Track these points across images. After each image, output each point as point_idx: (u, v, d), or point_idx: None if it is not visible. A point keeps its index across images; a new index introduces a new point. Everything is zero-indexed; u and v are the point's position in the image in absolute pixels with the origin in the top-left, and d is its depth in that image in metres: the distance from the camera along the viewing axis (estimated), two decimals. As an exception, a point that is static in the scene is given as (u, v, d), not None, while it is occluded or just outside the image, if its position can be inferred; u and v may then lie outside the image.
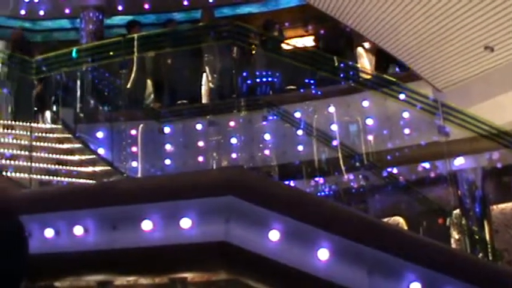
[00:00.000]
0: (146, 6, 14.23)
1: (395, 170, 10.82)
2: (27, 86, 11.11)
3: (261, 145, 10.36)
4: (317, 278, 5.86)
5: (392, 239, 5.92)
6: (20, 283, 1.85)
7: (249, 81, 11.40)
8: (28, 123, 10.58)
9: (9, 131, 10.64)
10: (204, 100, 11.70)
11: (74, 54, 10.44)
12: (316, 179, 10.59)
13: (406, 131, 10.39)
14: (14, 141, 10.33)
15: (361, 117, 10.52)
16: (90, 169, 10.07)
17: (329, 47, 11.84)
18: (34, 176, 9.31)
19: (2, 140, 10.31)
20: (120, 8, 14.24)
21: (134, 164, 10.14)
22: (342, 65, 10.37)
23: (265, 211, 5.96)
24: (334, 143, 10.33)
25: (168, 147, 10.25)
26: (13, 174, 9.16)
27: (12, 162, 9.75)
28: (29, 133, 10.39)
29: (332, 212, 6.16)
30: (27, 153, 9.88)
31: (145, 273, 7.08)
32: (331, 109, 10.39)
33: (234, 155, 10.15)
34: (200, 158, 10.46)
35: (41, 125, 10.95)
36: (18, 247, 1.85)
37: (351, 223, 6.02)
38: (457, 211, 10.26)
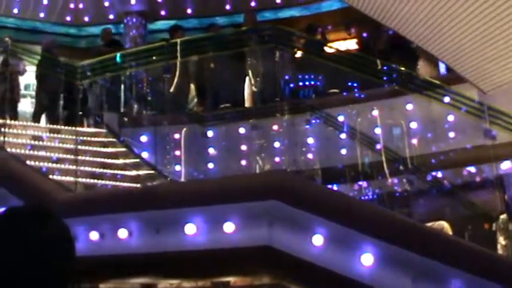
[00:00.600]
0: (189, 10, 14.34)
1: (440, 174, 10.67)
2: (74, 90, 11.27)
3: (303, 149, 10.32)
4: (360, 283, 5.81)
5: (439, 246, 5.84)
6: (68, 285, 1.87)
7: (291, 85, 11.38)
8: (73, 128, 10.74)
9: (55, 135, 10.80)
10: (247, 104, 11.71)
11: (118, 59, 10.54)
12: (360, 182, 10.50)
13: (451, 134, 10.25)
14: (60, 145, 10.49)
15: (405, 120, 10.40)
16: (134, 173, 10.16)
17: (372, 50, 11.75)
18: (79, 180, 9.41)
19: (49, 143, 10.48)
20: (163, 13, 14.38)
21: (177, 167, 10.19)
22: (385, 67, 10.27)
23: (309, 215, 5.93)
24: (378, 146, 10.24)
25: (211, 151, 10.28)
26: (59, 177, 9.27)
27: (58, 165, 9.90)
28: (74, 137, 10.54)
29: (377, 217, 6.10)
30: (72, 156, 10.01)
31: (188, 277, 7.11)
32: (375, 112, 10.29)
33: (277, 159, 10.12)
34: (243, 162, 10.47)
35: (86, 129, 11.08)
36: (66, 248, 1.87)
37: (396, 228, 5.95)
38: (503, 216, 10.04)
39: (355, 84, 11.02)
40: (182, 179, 10.01)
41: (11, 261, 1.76)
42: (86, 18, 14.70)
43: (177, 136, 10.31)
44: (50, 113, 12.15)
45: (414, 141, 10.33)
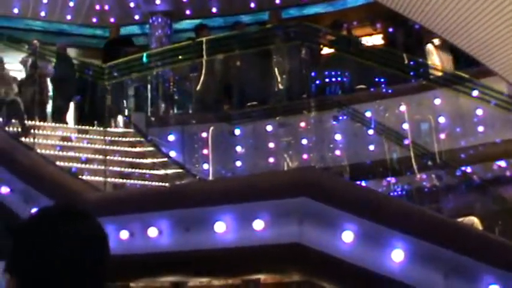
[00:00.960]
0: (214, 9, 14.35)
1: (469, 169, 10.56)
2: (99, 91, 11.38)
3: (331, 145, 10.29)
4: (391, 279, 5.77)
5: (470, 241, 5.78)
6: (104, 283, 1.89)
7: (318, 82, 11.35)
8: (102, 128, 10.83)
9: (84, 135, 10.91)
10: (274, 101, 11.69)
11: (144, 59, 10.61)
12: (388, 178, 10.44)
13: (480, 128, 10.14)
14: (89, 145, 10.59)
15: (433, 115, 10.32)
16: (162, 172, 10.22)
17: (398, 45, 11.67)
18: (108, 179, 9.49)
19: (78, 144, 10.59)
20: (188, 12, 14.41)
21: (205, 166, 10.22)
22: (412, 62, 10.20)
23: (339, 212, 5.91)
24: (406, 142, 10.17)
25: (238, 149, 10.29)
26: (88, 177, 9.36)
27: (87, 165, 10.00)
28: (102, 137, 10.64)
29: (407, 213, 6.06)
30: (101, 156, 10.10)
31: (218, 275, 7.12)
32: (402, 108, 10.22)
33: (304, 156, 10.11)
34: (271, 160, 10.46)
35: (114, 129, 11.17)
36: (102, 246, 1.90)
37: (427, 224, 5.90)
38: (534, 210, 9.94)
39: (382, 80, 10.97)
40: (210, 178, 10.04)
41: (49, 261, 1.78)
42: (112, 19, 14.78)
43: (204, 135, 10.33)
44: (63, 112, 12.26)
45: (442, 136, 10.24)
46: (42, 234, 1.82)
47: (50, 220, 1.87)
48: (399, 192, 10.53)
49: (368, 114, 10.41)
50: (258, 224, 6.11)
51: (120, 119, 12.33)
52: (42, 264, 1.77)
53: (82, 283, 1.80)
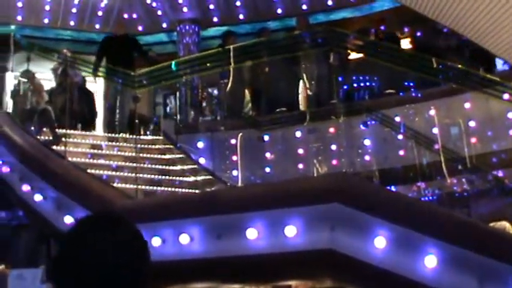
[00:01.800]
0: (241, 16, 14.39)
1: (500, 173, 10.45)
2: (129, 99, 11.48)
3: (360, 150, 10.25)
4: (424, 285, 5.73)
5: (504, 246, 5.72)
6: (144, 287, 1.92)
7: (346, 87, 11.33)
8: (132, 136, 10.92)
9: (114, 143, 11.00)
10: (302, 107, 11.70)
11: (173, 67, 10.67)
12: (418, 183, 10.37)
13: (512, 132, 10.04)
14: (119, 152, 10.68)
15: (463, 119, 10.23)
16: (192, 179, 10.26)
17: (427, 49, 11.59)
18: (139, 187, 9.55)
19: (108, 152, 10.69)
20: (215, 19, 14.48)
21: (234, 172, 10.24)
22: (441, 66, 10.12)
23: (371, 218, 5.89)
24: (436, 146, 10.09)
25: (267, 155, 10.30)
26: (119, 185, 9.43)
27: (118, 173, 10.08)
28: (132, 145, 10.72)
29: (439, 218, 6.01)
30: (131, 164, 10.18)
31: (249, 282, 7.12)
32: (432, 112, 10.15)
33: (334, 161, 10.08)
34: (300, 166, 10.45)
35: (143, 137, 11.25)
36: (143, 252, 1.92)
37: (460, 229, 5.85)
38: None
39: (411, 84, 10.91)
40: (239, 184, 10.06)
41: (93, 267, 1.80)
42: (140, 28, 14.91)
43: (233, 141, 10.36)
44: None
45: (473, 140, 10.15)
46: (84, 244, 1.85)
47: (92, 228, 1.91)
48: (430, 197, 10.45)
49: (397, 118, 10.36)
50: (290, 230, 6.12)
51: (149, 126, 12.45)
52: (85, 274, 1.80)
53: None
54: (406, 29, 13.87)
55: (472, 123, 10.23)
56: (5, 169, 9.35)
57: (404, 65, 9.72)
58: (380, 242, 5.87)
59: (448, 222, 5.97)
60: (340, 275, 6.21)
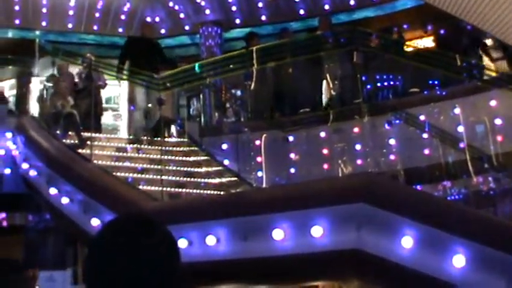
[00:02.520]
0: (263, 17, 14.40)
1: (528, 171, 10.33)
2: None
3: (385, 150, 10.19)
4: (452, 285, 5.69)
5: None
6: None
7: (369, 86, 11.27)
8: (157, 138, 10.99)
9: (139, 145, 11.07)
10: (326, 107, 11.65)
11: (197, 69, 10.72)
12: (444, 182, 10.28)
13: (539, 129, 9.92)
14: (144, 155, 10.74)
15: (489, 117, 10.13)
16: (217, 180, 10.29)
17: (451, 47, 11.51)
18: (165, 189, 9.60)
19: (133, 154, 10.75)
20: (237, 21, 14.51)
21: (259, 173, 10.24)
22: (465, 64, 10.05)
23: (398, 217, 5.86)
24: (461, 145, 10.01)
25: (292, 156, 10.29)
26: (145, 187, 9.48)
27: (143, 175, 10.14)
28: (157, 147, 10.78)
29: (467, 217, 5.97)
30: (156, 166, 10.23)
31: (276, 282, 7.13)
32: (457, 110, 10.07)
33: (358, 161, 10.04)
34: (325, 166, 10.42)
35: (168, 139, 11.30)
36: (176, 253, 1.94)
37: (488, 229, 5.81)
38: None
39: (435, 83, 10.83)
40: (264, 185, 10.06)
41: (129, 270, 1.81)
42: (163, 31, 14.99)
43: (257, 142, 10.37)
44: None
45: (499, 138, 10.05)
46: (119, 247, 1.85)
47: (125, 232, 1.91)
48: (455, 196, 10.37)
49: (422, 117, 10.29)
50: (317, 231, 6.12)
51: (173, 128, 12.50)
52: (121, 277, 1.80)
53: None
54: (429, 27, 13.80)
55: (498, 121, 10.13)
56: (33, 173, 9.46)
57: (428, 63, 9.66)
58: (407, 241, 5.84)
59: (476, 221, 5.93)
60: (367, 275, 6.20)
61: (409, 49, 11.30)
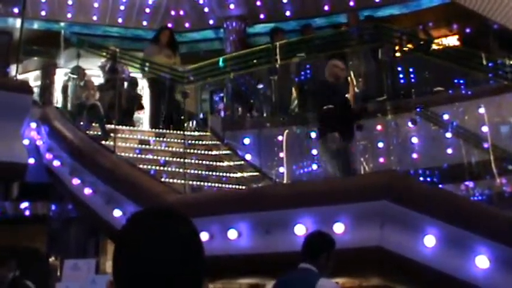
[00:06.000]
0: (287, 13, 14.37)
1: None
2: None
3: (408, 148, 10.13)
4: (474, 286, 5.67)
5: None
6: (204, 279, 1.92)
7: (394, 84, 11.20)
8: (180, 131, 11.03)
9: (162, 138, 11.12)
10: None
11: (220, 63, 10.73)
12: (467, 182, 10.20)
13: None
14: (167, 148, 10.78)
15: (514, 117, 10.04)
16: (238, 175, 10.31)
17: (477, 46, 11.41)
18: (187, 182, 9.63)
19: (156, 147, 10.80)
20: (262, 16, 14.49)
21: (281, 169, 10.23)
22: (491, 63, 9.95)
23: (421, 216, 5.85)
24: (485, 145, 9.92)
25: (314, 152, 10.25)
26: (167, 180, 9.52)
27: (165, 168, 10.18)
28: (180, 140, 10.82)
29: (491, 217, 5.93)
30: (179, 159, 10.26)
31: (296, 277, 7.12)
32: (481, 110, 9.98)
33: (381, 159, 10.00)
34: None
35: (191, 133, 11.33)
36: (200, 245, 1.93)
37: (512, 229, 5.77)
38: None
39: (461, 82, 10.75)
40: (285, 181, 10.05)
41: (158, 263, 1.80)
42: (187, 24, 15.01)
43: (279, 138, 10.36)
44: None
45: (524, 139, 9.96)
46: (148, 240, 1.82)
47: (153, 224, 1.89)
48: (478, 197, 10.29)
49: (446, 116, 10.22)
50: (339, 227, 6.12)
51: (195, 122, 12.53)
52: (150, 270, 1.78)
53: (187, 283, 1.84)
54: (454, 26, 13.69)
55: (523, 122, 10.05)
56: (56, 163, 9.54)
57: (454, 62, 9.59)
58: (429, 240, 5.83)
59: (500, 222, 5.88)
60: (388, 272, 6.19)
61: (435, 47, 11.17)
